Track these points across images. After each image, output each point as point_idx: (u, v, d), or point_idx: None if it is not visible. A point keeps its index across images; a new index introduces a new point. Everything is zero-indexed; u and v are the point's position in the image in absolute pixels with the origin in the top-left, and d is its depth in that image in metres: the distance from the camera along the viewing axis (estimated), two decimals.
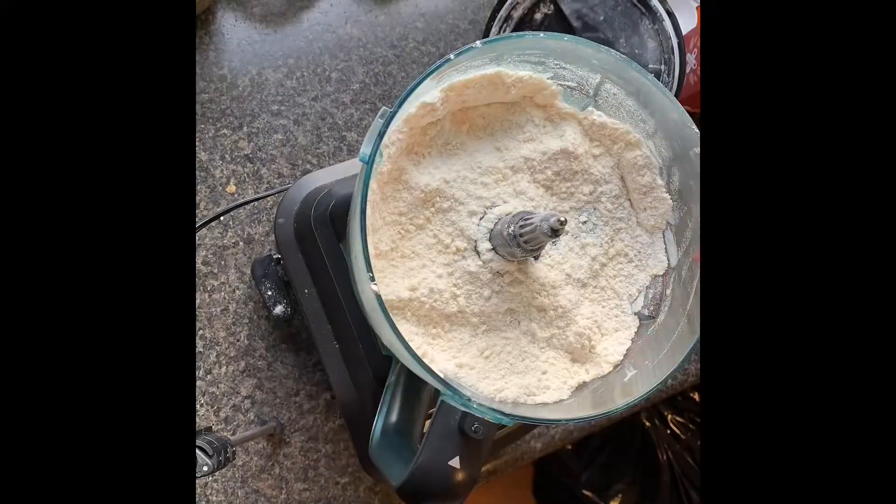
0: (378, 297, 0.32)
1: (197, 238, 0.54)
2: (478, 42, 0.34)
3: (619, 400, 0.36)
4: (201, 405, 0.53)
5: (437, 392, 0.34)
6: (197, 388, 0.53)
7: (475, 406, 0.33)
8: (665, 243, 0.43)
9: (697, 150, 0.38)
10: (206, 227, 0.55)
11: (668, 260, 0.42)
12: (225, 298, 0.55)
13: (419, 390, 0.43)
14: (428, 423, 0.37)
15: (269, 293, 0.52)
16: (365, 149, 0.33)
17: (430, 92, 0.37)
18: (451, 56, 0.34)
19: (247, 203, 0.54)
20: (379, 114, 0.33)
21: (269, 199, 0.57)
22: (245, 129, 0.57)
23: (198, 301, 0.54)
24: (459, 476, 0.35)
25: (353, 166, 0.52)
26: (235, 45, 0.59)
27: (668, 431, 0.90)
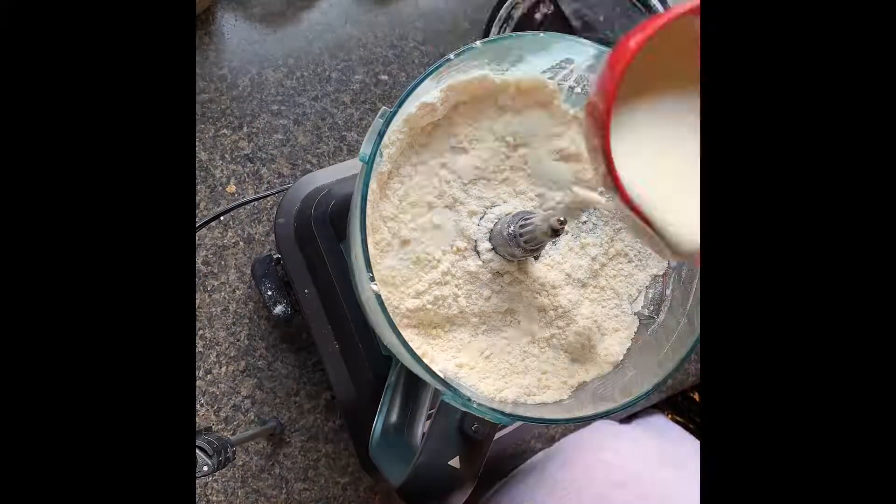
0: (378, 297, 0.32)
1: (197, 238, 0.54)
2: (478, 42, 0.34)
3: (619, 400, 0.36)
4: (201, 405, 0.53)
5: (437, 392, 0.34)
6: (197, 388, 0.53)
7: (475, 406, 0.33)
8: None
9: None
10: (206, 227, 0.55)
11: (668, 260, 0.42)
12: (225, 298, 0.55)
13: (419, 390, 0.43)
14: (428, 423, 0.37)
15: (269, 293, 0.52)
16: (365, 149, 0.33)
17: (430, 92, 0.37)
18: (451, 56, 0.34)
19: (247, 203, 0.54)
20: (379, 114, 0.33)
21: (269, 199, 0.57)
22: (245, 129, 0.57)
23: (198, 301, 0.54)
24: (459, 476, 0.35)
25: (353, 166, 0.52)
26: (235, 45, 0.59)
27: None
